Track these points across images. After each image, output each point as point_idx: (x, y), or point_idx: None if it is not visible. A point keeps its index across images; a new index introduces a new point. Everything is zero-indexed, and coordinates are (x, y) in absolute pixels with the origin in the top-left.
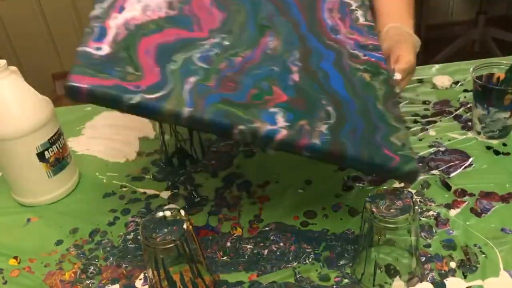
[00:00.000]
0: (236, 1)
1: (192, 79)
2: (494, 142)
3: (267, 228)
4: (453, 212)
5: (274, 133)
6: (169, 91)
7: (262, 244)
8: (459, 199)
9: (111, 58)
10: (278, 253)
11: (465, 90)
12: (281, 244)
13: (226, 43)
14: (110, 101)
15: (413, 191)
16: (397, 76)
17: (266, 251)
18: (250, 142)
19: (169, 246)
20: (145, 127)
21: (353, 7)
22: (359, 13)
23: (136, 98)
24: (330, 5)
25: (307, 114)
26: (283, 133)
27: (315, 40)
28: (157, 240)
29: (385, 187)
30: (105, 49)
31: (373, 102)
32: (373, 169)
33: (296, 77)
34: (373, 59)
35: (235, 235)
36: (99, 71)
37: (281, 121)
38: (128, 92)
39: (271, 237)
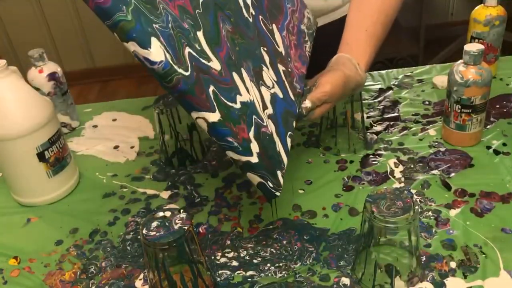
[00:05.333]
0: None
1: None
2: (495, 142)
3: (271, 227)
4: (453, 212)
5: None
6: None
7: (264, 242)
8: (459, 199)
9: None
10: (279, 253)
11: None
12: (284, 242)
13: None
14: None
15: (413, 191)
16: (307, 103)
17: (267, 250)
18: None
19: (169, 246)
20: (145, 127)
21: (306, 38)
22: (308, 45)
23: None
24: (289, 24)
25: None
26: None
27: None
28: (157, 240)
29: (385, 187)
30: None
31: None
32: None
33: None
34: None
35: (235, 230)
36: None
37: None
38: None
39: (274, 236)
